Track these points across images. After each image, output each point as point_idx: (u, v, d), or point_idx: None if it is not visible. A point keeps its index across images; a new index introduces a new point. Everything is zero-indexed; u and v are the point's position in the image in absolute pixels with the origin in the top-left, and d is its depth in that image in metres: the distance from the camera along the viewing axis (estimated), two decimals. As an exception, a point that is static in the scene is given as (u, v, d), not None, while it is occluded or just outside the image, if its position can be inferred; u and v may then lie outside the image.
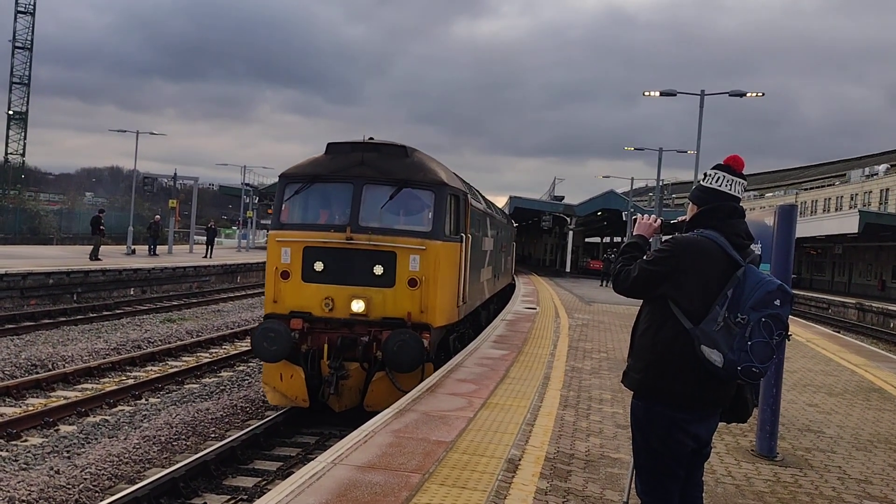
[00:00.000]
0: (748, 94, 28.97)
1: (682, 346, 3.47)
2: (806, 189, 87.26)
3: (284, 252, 10.07)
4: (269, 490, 4.83)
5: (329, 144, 10.74)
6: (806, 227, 49.32)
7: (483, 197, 18.09)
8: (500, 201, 39.61)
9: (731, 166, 3.72)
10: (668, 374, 3.51)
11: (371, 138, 10.88)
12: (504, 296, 24.32)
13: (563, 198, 61.18)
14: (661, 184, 42.69)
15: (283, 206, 10.53)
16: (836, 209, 71.86)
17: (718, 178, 3.70)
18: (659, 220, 4.04)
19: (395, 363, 9.44)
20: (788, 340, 3.62)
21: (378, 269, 9.84)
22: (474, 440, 6.32)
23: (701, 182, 3.79)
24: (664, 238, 3.82)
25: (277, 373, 10.08)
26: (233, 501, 7.58)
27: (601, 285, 37.19)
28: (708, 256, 3.52)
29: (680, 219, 3.94)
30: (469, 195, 12.02)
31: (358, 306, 9.84)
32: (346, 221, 10.00)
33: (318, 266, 9.94)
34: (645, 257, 3.71)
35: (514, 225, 32.16)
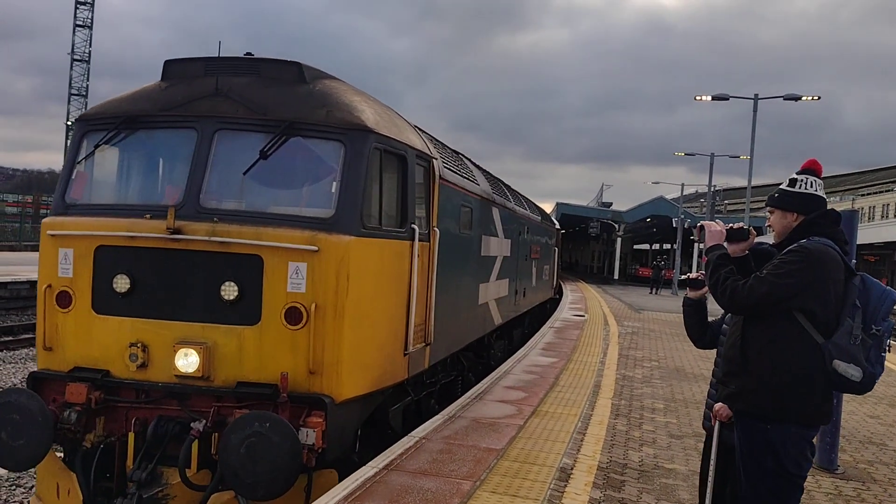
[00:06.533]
0: (803, 98, 28.38)
1: (814, 361, 3.33)
2: (863, 195, 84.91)
3: (64, 256, 5.72)
4: (323, 495, 4.87)
5: (167, 63, 6.28)
6: (864, 234, 48.05)
7: (498, 180, 13.43)
8: (547, 208, 39.41)
9: (815, 170, 3.61)
10: (802, 392, 3.37)
11: (249, 54, 6.41)
12: (542, 315, 20.69)
13: (611, 204, 60.71)
14: (712, 189, 42.03)
15: (75, 171, 6.11)
16: None
17: (812, 182, 3.57)
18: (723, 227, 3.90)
19: (240, 481, 4.95)
20: None
21: (229, 290, 5.39)
22: (525, 448, 6.28)
23: (790, 189, 3.60)
24: (791, 247, 3.49)
25: (54, 481, 5.81)
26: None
27: (651, 293, 36.73)
28: (837, 266, 3.40)
29: (735, 225, 3.84)
30: (440, 161, 7.55)
31: (187, 361, 5.37)
32: (176, 199, 5.62)
33: (121, 283, 5.52)
34: (770, 269, 3.43)
35: (558, 228, 26.07)
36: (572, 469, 5.83)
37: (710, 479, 4.01)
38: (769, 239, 3.88)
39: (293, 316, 5.39)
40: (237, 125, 5.78)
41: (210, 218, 5.47)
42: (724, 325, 4.45)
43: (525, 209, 15.50)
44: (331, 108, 5.83)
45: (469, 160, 10.89)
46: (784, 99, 28.69)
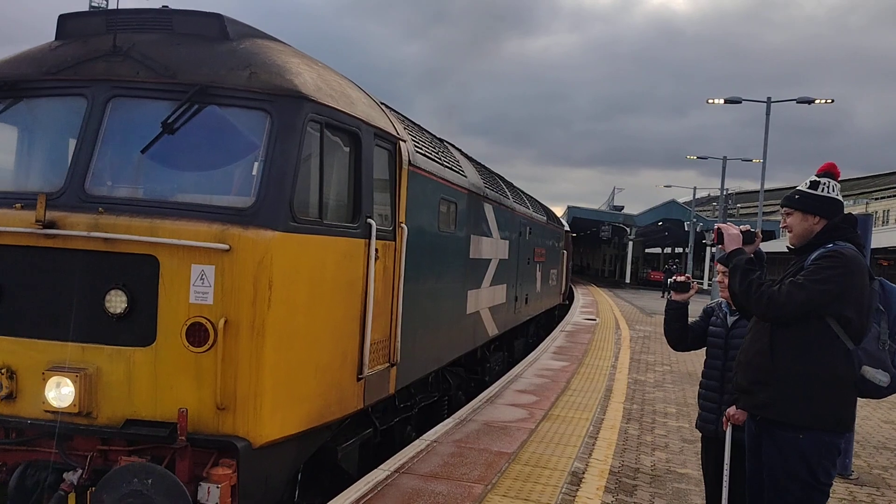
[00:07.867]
0: (817, 101, 28.25)
1: (846, 368, 3.29)
2: (876, 198, 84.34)
3: None
4: (334, 498, 4.88)
5: (61, 18, 5.12)
6: (878, 238, 47.74)
7: (494, 174, 12.25)
8: (558, 211, 39.39)
9: (834, 173, 3.58)
10: (836, 399, 3.33)
11: (165, 6, 5.17)
12: (549, 323, 19.63)
13: (622, 207, 60.61)
14: (724, 193, 41.88)
15: None
16: (910, 219, 69.25)
17: (833, 187, 3.53)
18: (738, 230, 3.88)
19: None
20: None
21: (115, 301, 4.28)
22: (536, 452, 6.27)
23: (812, 191, 3.54)
24: (823, 252, 3.41)
25: None
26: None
27: (662, 297, 36.62)
28: (866, 270, 3.37)
29: (743, 228, 3.84)
30: (411, 145, 6.45)
31: (60, 393, 4.24)
32: (56, 185, 4.52)
33: None
34: (807, 275, 3.35)
35: (567, 230, 24.26)
36: (584, 473, 5.82)
37: (725, 481, 4.00)
38: (783, 241, 3.88)
39: (197, 335, 4.19)
40: (137, 91, 4.62)
41: (92, 208, 4.33)
42: (710, 328, 4.45)
43: (528, 208, 14.13)
44: (255, 70, 4.62)
45: (458, 150, 9.78)
46: (797, 102, 28.56)
